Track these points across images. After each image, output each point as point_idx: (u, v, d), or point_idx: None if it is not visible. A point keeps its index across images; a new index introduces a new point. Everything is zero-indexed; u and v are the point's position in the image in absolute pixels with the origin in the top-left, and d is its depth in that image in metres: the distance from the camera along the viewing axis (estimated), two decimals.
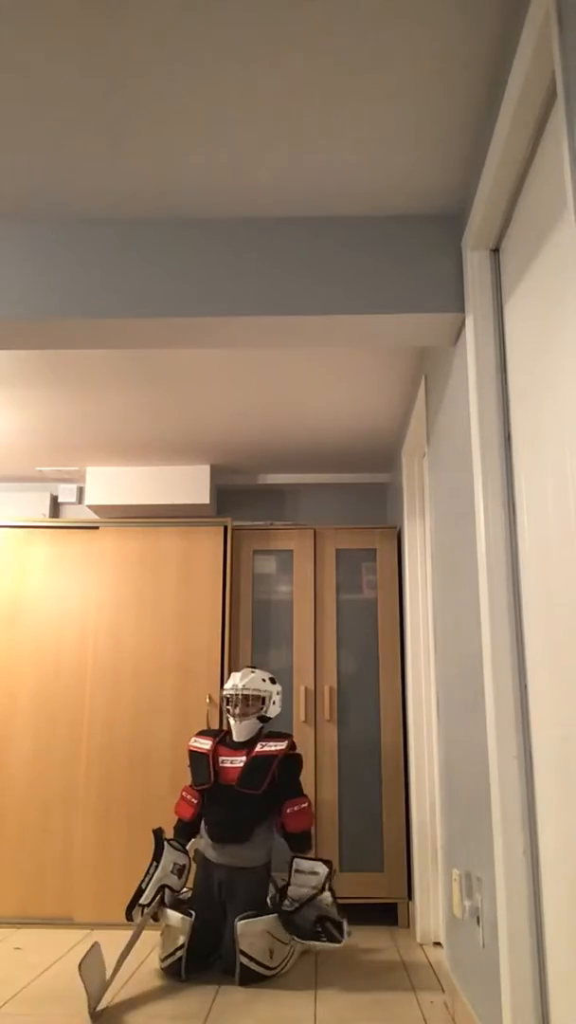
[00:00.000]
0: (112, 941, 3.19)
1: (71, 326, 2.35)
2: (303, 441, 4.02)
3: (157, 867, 2.85)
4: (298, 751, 3.06)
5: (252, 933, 2.73)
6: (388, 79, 1.83)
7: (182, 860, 2.91)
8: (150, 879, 2.83)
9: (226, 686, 3.14)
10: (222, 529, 3.86)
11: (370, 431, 3.88)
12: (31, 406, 3.55)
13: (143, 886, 2.83)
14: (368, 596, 3.83)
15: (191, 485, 4.23)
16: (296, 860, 2.92)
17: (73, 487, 4.60)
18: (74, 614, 3.79)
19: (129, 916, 2.80)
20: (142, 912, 2.80)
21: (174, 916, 2.80)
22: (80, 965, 2.38)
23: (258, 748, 3.01)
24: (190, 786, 3.07)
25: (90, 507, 4.30)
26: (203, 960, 2.78)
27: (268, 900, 2.88)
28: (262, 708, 3.09)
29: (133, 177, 2.18)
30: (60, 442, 4.00)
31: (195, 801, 3.02)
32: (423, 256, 2.33)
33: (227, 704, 3.11)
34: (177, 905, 2.85)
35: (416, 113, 1.94)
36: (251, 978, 2.70)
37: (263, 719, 3.11)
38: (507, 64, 1.70)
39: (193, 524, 3.88)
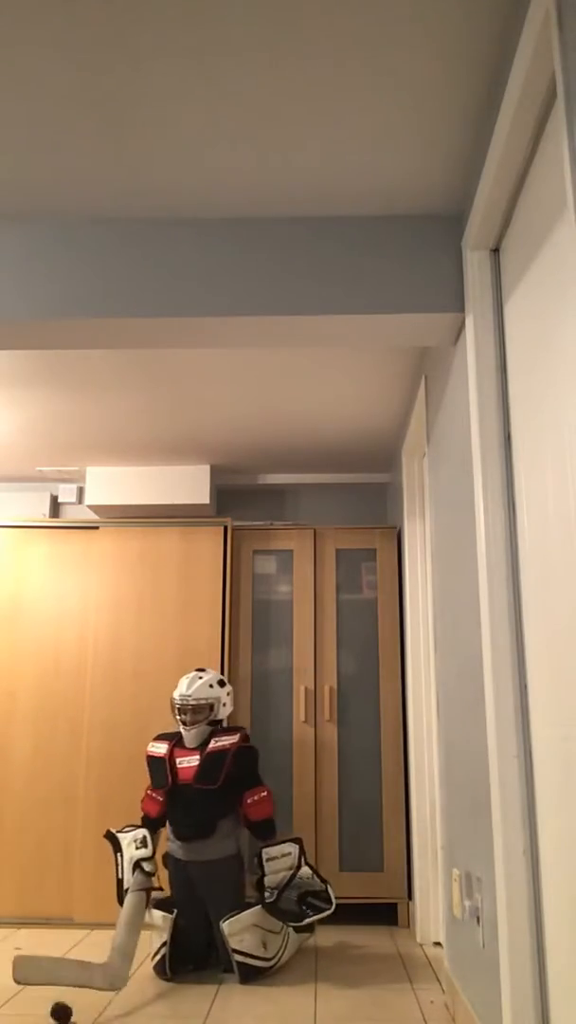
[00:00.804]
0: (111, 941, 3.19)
1: (71, 326, 2.35)
2: (303, 441, 4.02)
3: (122, 857, 2.89)
4: (251, 743, 3.07)
5: (240, 930, 2.74)
6: (388, 79, 1.83)
7: (140, 834, 2.93)
8: (121, 869, 2.88)
9: (174, 694, 3.10)
10: (222, 529, 3.86)
11: (370, 431, 3.88)
12: (31, 406, 3.55)
13: (119, 877, 2.87)
14: (368, 596, 3.83)
15: (191, 485, 4.23)
16: (264, 850, 2.93)
17: (73, 487, 4.60)
18: (74, 614, 3.79)
19: (121, 903, 2.83)
20: (125, 894, 2.83)
21: (156, 915, 2.84)
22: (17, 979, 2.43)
23: (212, 745, 3.01)
24: (156, 788, 3.07)
25: (90, 507, 4.30)
26: (189, 958, 2.81)
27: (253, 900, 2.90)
28: (210, 714, 3.06)
29: (133, 177, 2.18)
30: (60, 442, 4.00)
31: (160, 799, 3.02)
32: (423, 256, 2.33)
33: (176, 712, 3.08)
34: (162, 906, 2.87)
35: (416, 113, 1.94)
36: (251, 974, 2.71)
37: (213, 723, 3.09)
38: (507, 64, 1.70)
39: (193, 524, 3.88)
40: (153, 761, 3.07)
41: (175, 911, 2.83)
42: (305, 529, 3.91)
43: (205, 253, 2.35)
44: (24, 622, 3.79)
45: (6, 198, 2.28)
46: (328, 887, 2.88)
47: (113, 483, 4.26)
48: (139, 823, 3.08)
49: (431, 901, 3.20)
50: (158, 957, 2.78)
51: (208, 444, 4.02)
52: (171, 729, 3.61)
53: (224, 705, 3.11)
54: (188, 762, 3.00)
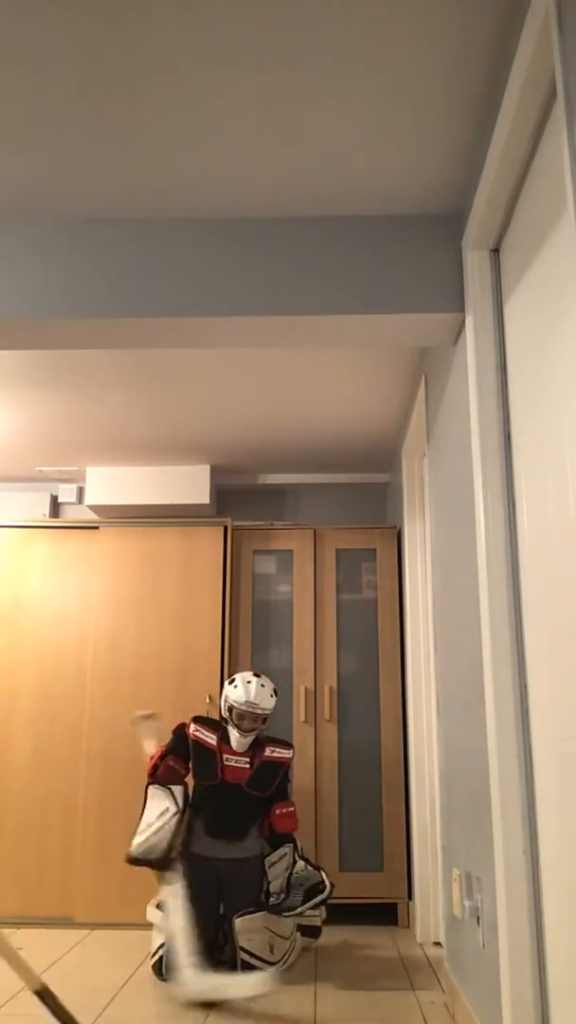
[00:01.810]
0: (112, 941, 3.19)
1: (71, 326, 2.35)
2: (303, 441, 4.02)
3: (177, 818, 2.79)
4: None
5: (251, 929, 2.74)
6: (388, 79, 1.83)
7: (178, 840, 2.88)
8: (160, 831, 2.78)
9: (237, 698, 2.99)
10: (222, 529, 3.86)
11: (370, 431, 3.88)
12: (31, 406, 3.55)
13: (161, 827, 2.78)
14: (368, 596, 3.83)
15: (191, 485, 4.23)
16: (266, 859, 2.95)
17: (73, 487, 4.60)
18: (74, 614, 3.79)
19: (134, 859, 2.75)
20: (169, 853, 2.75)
21: (157, 915, 2.83)
22: None
23: (268, 753, 3.02)
24: (179, 759, 3.00)
25: (90, 507, 4.30)
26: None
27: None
28: (264, 725, 3.08)
29: (133, 177, 2.18)
30: (60, 442, 4.00)
31: (183, 773, 2.99)
32: (423, 256, 2.33)
33: (232, 714, 3.03)
34: (163, 906, 2.86)
35: (416, 113, 1.94)
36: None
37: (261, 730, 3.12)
38: (507, 64, 1.70)
39: (193, 524, 3.88)
40: (202, 749, 3.01)
41: None
42: (305, 529, 3.91)
43: (205, 253, 2.35)
44: (24, 622, 3.78)
45: (6, 198, 2.28)
46: (322, 873, 2.92)
47: (113, 483, 4.26)
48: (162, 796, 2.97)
49: (431, 901, 3.20)
50: (155, 957, 2.78)
51: (208, 444, 4.02)
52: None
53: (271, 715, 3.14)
54: (236, 762, 3.00)
